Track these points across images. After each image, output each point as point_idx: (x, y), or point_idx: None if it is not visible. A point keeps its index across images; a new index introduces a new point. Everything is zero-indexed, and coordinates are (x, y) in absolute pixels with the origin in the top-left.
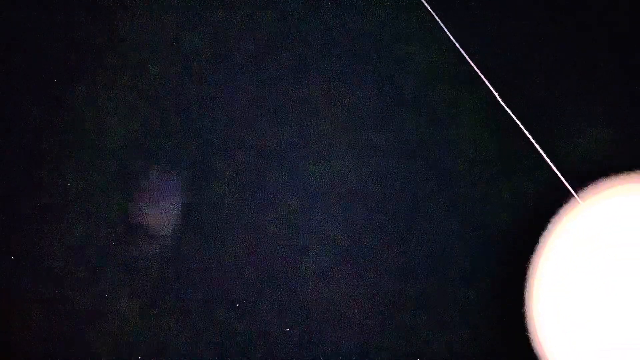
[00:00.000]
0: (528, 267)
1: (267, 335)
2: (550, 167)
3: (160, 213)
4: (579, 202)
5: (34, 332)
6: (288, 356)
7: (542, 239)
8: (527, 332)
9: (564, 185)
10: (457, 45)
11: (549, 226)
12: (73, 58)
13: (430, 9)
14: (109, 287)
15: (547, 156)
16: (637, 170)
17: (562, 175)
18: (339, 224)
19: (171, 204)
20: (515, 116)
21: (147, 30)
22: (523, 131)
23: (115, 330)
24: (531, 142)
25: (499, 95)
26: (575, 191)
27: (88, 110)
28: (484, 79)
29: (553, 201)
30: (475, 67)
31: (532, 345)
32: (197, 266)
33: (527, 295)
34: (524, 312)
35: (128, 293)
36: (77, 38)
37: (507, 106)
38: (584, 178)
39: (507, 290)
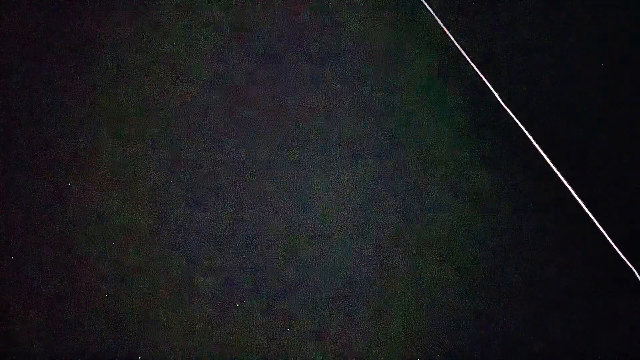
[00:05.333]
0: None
1: (267, 335)
2: (549, 164)
3: (161, 215)
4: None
5: (34, 332)
6: (289, 356)
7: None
8: None
9: (562, 182)
10: (457, 45)
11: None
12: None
13: (431, 10)
14: (109, 287)
15: (545, 154)
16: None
17: (558, 170)
18: (341, 223)
19: (173, 207)
20: (516, 117)
21: (148, 34)
22: (524, 131)
23: (115, 331)
24: (531, 141)
25: (499, 96)
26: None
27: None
28: (485, 79)
29: (551, 197)
30: (476, 68)
31: None
32: (195, 267)
33: None
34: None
35: (128, 293)
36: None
37: (508, 107)
38: (579, 173)
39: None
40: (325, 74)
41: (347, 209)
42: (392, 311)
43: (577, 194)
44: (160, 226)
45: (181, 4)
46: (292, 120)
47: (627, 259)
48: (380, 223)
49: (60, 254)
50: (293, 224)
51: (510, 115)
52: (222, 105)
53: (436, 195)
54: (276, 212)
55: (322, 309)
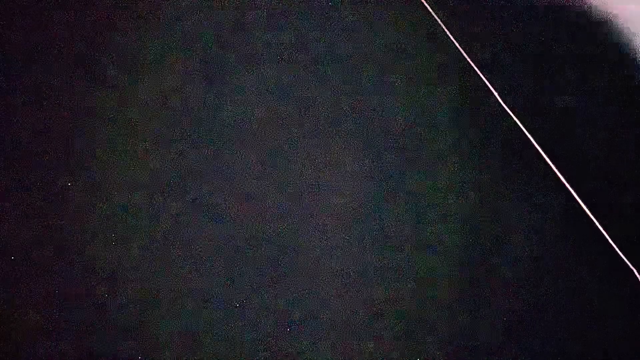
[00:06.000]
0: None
1: (266, 336)
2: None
3: (159, 211)
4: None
5: (34, 332)
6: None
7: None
8: None
9: (562, 182)
10: (457, 46)
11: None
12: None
13: (431, 11)
14: (108, 287)
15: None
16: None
17: (559, 171)
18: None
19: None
20: (516, 117)
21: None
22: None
23: (115, 330)
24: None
25: (499, 95)
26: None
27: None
28: (485, 79)
29: (551, 197)
30: (476, 68)
31: None
32: (195, 266)
33: None
34: None
35: (127, 293)
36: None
37: (508, 107)
38: (582, 176)
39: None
40: (325, 74)
41: (347, 210)
42: (392, 311)
43: (577, 194)
44: (159, 226)
45: (184, 4)
46: (293, 119)
47: (627, 259)
48: (380, 223)
49: (60, 253)
50: (294, 224)
51: (510, 115)
52: (223, 105)
53: (435, 195)
54: (277, 212)
55: (322, 309)
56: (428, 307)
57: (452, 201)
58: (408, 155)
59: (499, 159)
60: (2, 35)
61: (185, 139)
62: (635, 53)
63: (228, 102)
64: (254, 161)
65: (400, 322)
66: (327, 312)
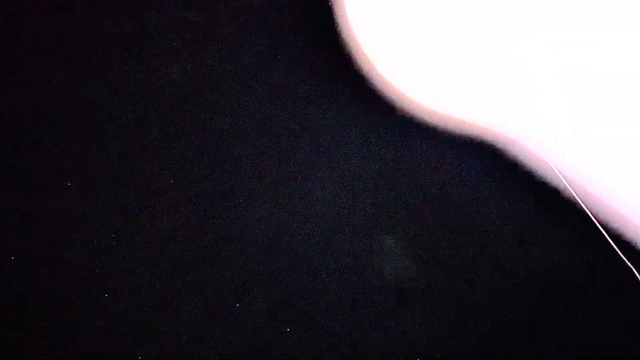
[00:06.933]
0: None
1: (267, 335)
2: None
3: (164, 213)
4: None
5: (35, 333)
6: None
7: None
8: None
9: (563, 182)
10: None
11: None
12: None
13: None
14: (108, 287)
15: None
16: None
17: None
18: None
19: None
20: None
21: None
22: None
23: (115, 331)
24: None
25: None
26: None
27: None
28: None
29: (551, 198)
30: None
31: None
32: (195, 267)
33: None
34: None
35: (127, 293)
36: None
37: None
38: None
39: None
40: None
41: (349, 214)
42: (392, 312)
43: (577, 195)
44: (159, 226)
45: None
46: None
47: (627, 259)
48: (382, 228)
49: (59, 254)
50: (294, 226)
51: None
52: (230, 106)
53: (436, 198)
54: (279, 213)
55: (322, 309)
56: (428, 307)
57: (450, 202)
58: (408, 159)
59: (500, 161)
60: (5, 36)
61: (185, 142)
62: None
63: (240, 104)
64: (257, 164)
65: (401, 322)
66: (327, 313)
